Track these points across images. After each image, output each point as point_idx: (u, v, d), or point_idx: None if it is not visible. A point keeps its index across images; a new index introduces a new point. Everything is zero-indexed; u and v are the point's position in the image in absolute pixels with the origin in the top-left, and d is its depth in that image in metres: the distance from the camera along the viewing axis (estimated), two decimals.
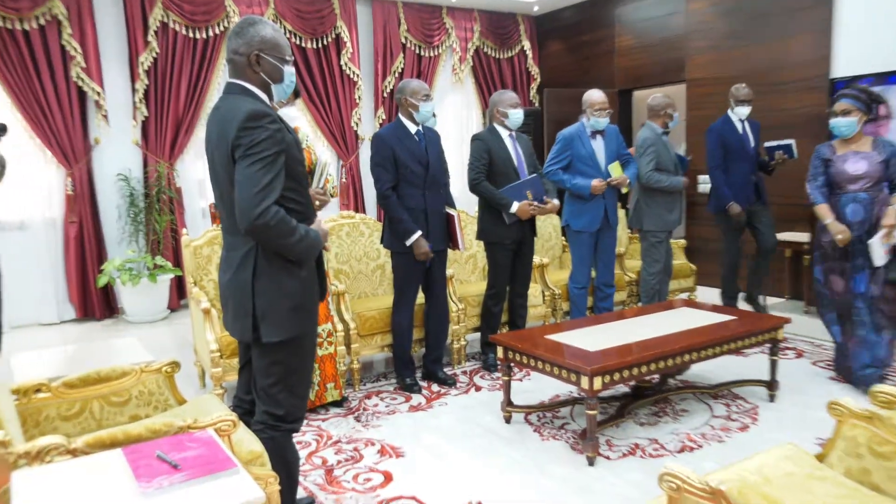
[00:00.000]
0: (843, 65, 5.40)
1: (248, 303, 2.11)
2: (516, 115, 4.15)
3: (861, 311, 3.71)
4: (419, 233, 3.74)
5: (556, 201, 4.20)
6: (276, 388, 2.19)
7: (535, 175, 4.20)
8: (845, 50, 5.40)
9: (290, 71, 2.19)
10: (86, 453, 1.73)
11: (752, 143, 5.03)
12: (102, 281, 5.77)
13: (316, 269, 2.27)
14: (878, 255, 3.58)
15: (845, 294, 3.79)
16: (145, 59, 6.03)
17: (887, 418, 1.87)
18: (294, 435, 2.31)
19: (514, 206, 4.05)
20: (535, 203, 4.11)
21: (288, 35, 6.75)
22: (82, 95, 5.88)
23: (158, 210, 6.15)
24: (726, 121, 5.03)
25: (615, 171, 4.44)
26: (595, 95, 4.40)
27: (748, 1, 6.05)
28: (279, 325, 2.11)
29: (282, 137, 2.03)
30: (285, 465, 2.26)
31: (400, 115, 3.86)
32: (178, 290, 6.33)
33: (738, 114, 5.01)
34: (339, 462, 3.07)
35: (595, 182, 4.34)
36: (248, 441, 2.19)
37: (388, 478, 2.90)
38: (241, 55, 2.09)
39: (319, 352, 3.57)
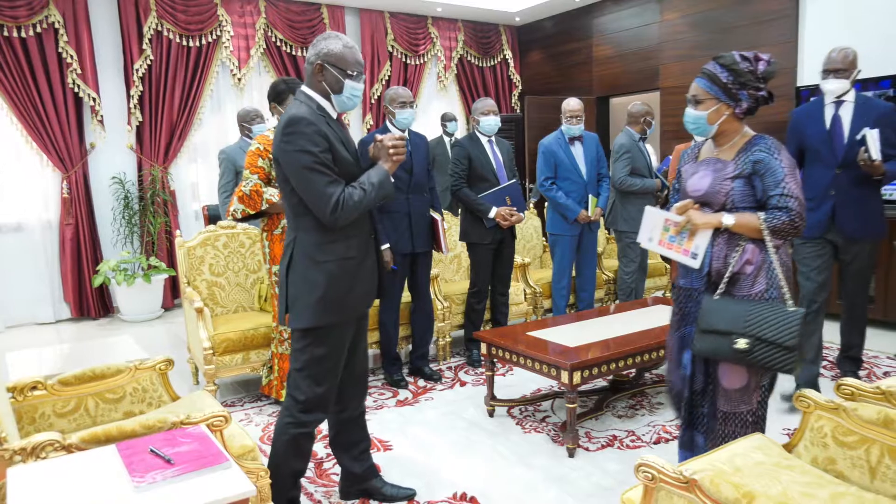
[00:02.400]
0: (808, 74, 5.61)
1: (283, 290, 2.30)
2: (487, 122, 4.28)
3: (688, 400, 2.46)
4: (386, 245, 3.76)
5: (522, 215, 4.34)
6: (300, 374, 2.31)
7: (514, 181, 4.34)
8: (810, 60, 5.59)
9: (351, 85, 2.26)
10: (80, 449, 1.74)
11: (845, 139, 3.34)
12: (98, 281, 5.85)
13: (366, 265, 2.36)
14: (646, 228, 2.47)
15: (675, 375, 2.51)
16: (140, 66, 6.13)
17: (851, 409, 1.90)
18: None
19: (493, 212, 4.20)
20: (514, 210, 4.25)
21: (278, 43, 6.90)
22: (78, 101, 5.96)
23: (153, 212, 6.24)
24: (815, 103, 3.50)
25: (592, 204, 4.64)
26: (569, 104, 4.58)
27: (718, 13, 6.30)
28: (303, 314, 2.25)
29: (321, 134, 2.15)
30: (276, 458, 2.38)
31: (387, 120, 3.95)
32: (172, 290, 6.42)
33: (829, 90, 3.37)
34: (328, 455, 3.09)
35: (582, 214, 4.57)
36: (239, 436, 2.25)
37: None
38: (310, 64, 2.26)
39: (280, 349, 3.60)
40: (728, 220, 2.27)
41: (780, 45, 5.83)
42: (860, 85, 5.07)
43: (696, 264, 2.33)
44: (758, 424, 2.33)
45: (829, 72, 3.34)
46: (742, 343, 2.16)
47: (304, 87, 2.30)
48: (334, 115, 2.31)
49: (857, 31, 5.35)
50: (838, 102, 3.37)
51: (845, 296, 3.61)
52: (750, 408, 2.32)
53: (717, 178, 2.33)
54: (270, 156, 3.46)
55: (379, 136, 2.37)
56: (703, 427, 2.43)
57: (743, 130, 2.39)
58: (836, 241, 3.44)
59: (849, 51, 3.33)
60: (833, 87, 3.33)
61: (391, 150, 2.31)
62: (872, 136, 3.17)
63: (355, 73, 2.27)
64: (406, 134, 3.95)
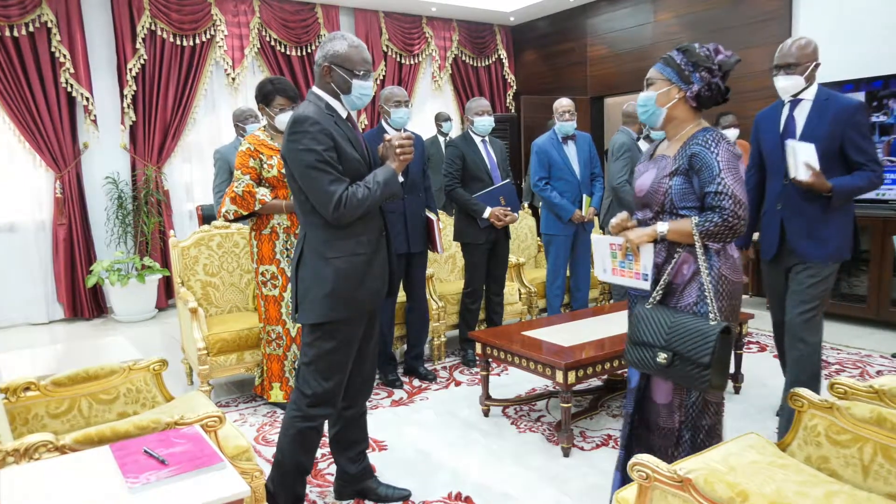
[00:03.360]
0: None
1: (293, 286, 2.35)
2: (481, 122, 4.30)
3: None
4: None
5: (516, 215, 4.33)
6: (308, 369, 2.34)
7: (507, 181, 4.34)
8: None
9: (359, 84, 2.30)
10: (74, 450, 1.72)
11: (798, 136, 2.88)
12: (91, 281, 5.83)
13: (376, 262, 2.36)
14: (598, 258, 2.34)
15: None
16: (133, 66, 6.11)
17: (844, 408, 1.90)
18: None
19: (487, 212, 4.20)
20: (508, 210, 4.24)
21: (272, 43, 6.89)
22: (71, 101, 5.94)
23: (146, 212, 6.22)
24: (775, 104, 3.06)
25: (586, 204, 4.63)
26: (561, 102, 4.60)
27: (711, 14, 6.33)
28: (312, 309, 2.28)
29: (326, 133, 2.19)
30: (282, 452, 2.39)
31: (382, 120, 3.96)
32: (166, 290, 6.40)
33: (780, 87, 2.90)
34: (323, 455, 3.04)
35: (576, 213, 4.55)
36: (234, 437, 2.24)
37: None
38: (318, 65, 2.31)
39: (268, 350, 3.62)
40: (662, 228, 2.13)
41: (773, 46, 5.71)
42: (852, 86, 5.09)
43: (647, 286, 2.19)
44: (681, 447, 2.17)
45: (779, 67, 2.86)
46: (662, 357, 2.05)
47: (314, 88, 2.34)
48: (344, 115, 2.34)
49: (849, 31, 5.38)
50: (795, 102, 2.89)
51: (789, 331, 2.93)
52: (672, 426, 2.20)
53: (657, 176, 2.16)
54: (261, 156, 3.46)
55: (387, 136, 2.39)
56: (643, 444, 2.29)
57: (694, 122, 2.18)
58: (787, 264, 2.96)
59: (804, 41, 2.84)
60: (783, 84, 2.85)
61: (398, 150, 2.33)
62: (792, 150, 2.70)
63: (362, 73, 2.30)
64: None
